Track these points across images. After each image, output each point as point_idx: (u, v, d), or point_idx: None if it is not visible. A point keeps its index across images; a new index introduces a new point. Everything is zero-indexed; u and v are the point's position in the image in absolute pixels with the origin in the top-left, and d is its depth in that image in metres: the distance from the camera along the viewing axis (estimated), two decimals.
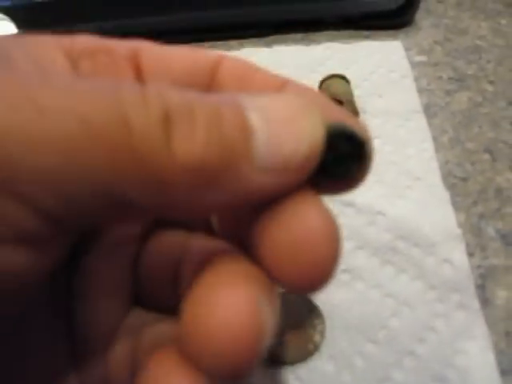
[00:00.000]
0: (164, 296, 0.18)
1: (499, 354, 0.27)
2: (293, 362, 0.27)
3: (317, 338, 0.28)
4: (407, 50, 0.43)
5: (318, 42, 0.45)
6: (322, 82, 0.39)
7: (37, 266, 0.12)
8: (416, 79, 0.41)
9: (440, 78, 0.41)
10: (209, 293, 0.13)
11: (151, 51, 0.17)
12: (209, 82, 0.17)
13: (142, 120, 0.12)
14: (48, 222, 0.12)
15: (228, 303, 0.13)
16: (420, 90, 0.40)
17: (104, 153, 0.11)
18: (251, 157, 0.12)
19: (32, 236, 0.11)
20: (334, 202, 0.34)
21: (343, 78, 0.38)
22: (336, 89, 0.37)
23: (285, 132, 0.13)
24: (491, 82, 0.41)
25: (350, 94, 0.37)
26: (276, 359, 0.27)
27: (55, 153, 0.11)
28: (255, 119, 0.13)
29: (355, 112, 0.36)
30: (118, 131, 0.11)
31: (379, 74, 0.42)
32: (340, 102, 0.36)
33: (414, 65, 0.42)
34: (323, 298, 0.30)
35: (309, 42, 0.45)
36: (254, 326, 0.13)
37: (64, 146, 0.11)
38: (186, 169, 0.12)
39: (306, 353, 0.27)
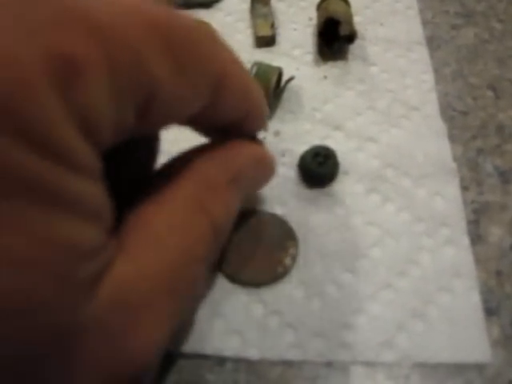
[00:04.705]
0: None
1: (488, 292, 0.23)
2: (258, 284, 0.23)
3: (287, 261, 0.23)
4: None
5: None
6: (321, 2, 0.34)
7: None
8: (421, 11, 0.36)
9: (446, 12, 0.36)
10: None
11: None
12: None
13: None
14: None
15: None
16: (424, 22, 0.35)
17: None
18: None
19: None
20: (322, 125, 0.29)
21: None
22: (334, 8, 0.32)
23: None
24: (501, 21, 0.36)
25: (349, 15, 0.32)
26: (239, 279, 0.23)
27: None
28: None
29: (352, 33, 0.31)
30: None
31: (383, 3, 0.36)
32: (337, 22, 0.31)
33: None
34: (299, 221, 0.25)
35: None
36: None
37: None
38: None
39: (274, 275, 0.23)
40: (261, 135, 0.28)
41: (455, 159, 0.28)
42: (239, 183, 0.19)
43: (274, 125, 0.29)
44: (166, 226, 0.16)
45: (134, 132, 0.15)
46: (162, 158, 0.20)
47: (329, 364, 0.22)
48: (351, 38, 0.31)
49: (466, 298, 0.23)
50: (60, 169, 0.12)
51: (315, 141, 0.28)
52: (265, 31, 0.33)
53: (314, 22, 0.35)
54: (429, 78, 0.32)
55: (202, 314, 0.23)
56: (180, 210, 0.16)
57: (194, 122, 0.18)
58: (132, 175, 0.19)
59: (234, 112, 0.18)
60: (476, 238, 0.25)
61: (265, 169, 0.22)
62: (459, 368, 0.21)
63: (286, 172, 0.27)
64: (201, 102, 0.16)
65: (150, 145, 0.21)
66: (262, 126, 0.21)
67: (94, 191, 0.13)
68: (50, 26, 0.11)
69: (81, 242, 0.13)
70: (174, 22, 0.14)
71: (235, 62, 0.18)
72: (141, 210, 0.16)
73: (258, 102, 0.19)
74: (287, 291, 0.23)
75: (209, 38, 0.16)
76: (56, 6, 0.12)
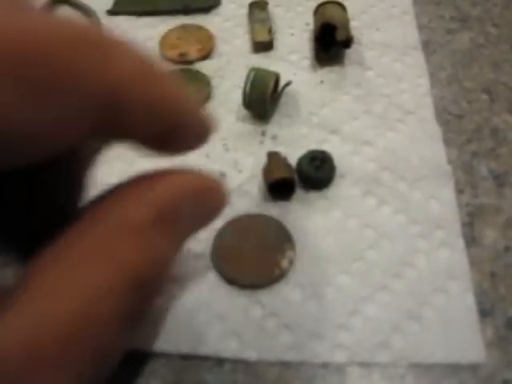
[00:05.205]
0: None
1: (482, 294, 0.23)
2: (255, 287, 0.23)
3: (284, 263, 0.24)
4: None
5: None
6: (318, 7, 0.34)
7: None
8: (417, 16, 0.36)
9: (442, 16, 0.37)
10: None
11: None
12: None
13: None
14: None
15: None
16: (420, 27, 0.36)
17: None
18: None
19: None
20: (319, 129, 0.29)
21: (339, 4, 0.34)
22: (330, 13, 0.33)
23: None
24: (496, 25, 0.36)
25: (346, 21, 0.33)
26: (237, 282, 0.23)
27: None
28: None
29: (349, 38, 0.31)
30: None
31: (379, 8, 0.37)
32: (334, 27, 0.32)
33: (415, 2, 0.37)
34: (296, 224, 0.26)
35: None
36: None
37: None
38: None
39: (271, 278, 0.24)
40: (258, 140, 0.29)
41: (450, 162, 0.28)
42: (170, 222, 0.16)
43: (271, 129, 0.30)
44: (65, 279, 0.13)
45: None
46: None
47: (325, 365, 0.22)
48: (348, 42, 0.32)
49: (461, 299, 0.23)
50: None
51: (312, 145, 0.29)
52: (262, 36, 0.34)
53: (311, 27, 0.35)
54: (424, 82, 0.32)
55: (201, 315, 0.23)
56: (85, 260, 0.14)
57: (104, 139, 0.16)
58: (49, 214, 0.17)
59: (152, 126, 0.15)
60: (471, 240, 0.25)
61: (210, 200, 0.18)
62: (454, 368, 0.22)
63: None
64: (89, 125, 0.14)
65: (69, 181, 0.18)
66: (203, 135, 0.18)
67: None
68: None
69: None
70: (30, 33, 0.12)
71: (143, 68, 0.14)
72: (40, 259, 0.14)
73: (185, 110, 0.16)
74: (284, 293, 0.23)
75: (92, 48, 0.13)
76: None
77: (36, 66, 0.12)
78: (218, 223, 0.25)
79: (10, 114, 0.12)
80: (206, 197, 0.17)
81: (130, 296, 0.14)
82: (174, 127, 0.16)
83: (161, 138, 0.16)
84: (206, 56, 0.34)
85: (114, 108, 0.14)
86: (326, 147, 0.28)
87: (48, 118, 0.12)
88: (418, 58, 0.33)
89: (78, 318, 0.13)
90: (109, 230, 0.14)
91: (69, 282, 0.13)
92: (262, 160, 0.28)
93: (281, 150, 0.28)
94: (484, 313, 0.23)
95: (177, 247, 0.16)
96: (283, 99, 0.31)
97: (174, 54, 0.34)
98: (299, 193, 0.27)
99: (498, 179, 0.27)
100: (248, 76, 0.29)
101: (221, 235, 0.25)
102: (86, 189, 0.18)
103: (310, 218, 0.26)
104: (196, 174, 0.17)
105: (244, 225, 0.25)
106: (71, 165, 0.17)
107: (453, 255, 0.25)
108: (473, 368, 0.22)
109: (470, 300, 0.23)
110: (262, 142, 0.29)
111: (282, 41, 0.34)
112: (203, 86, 0.32)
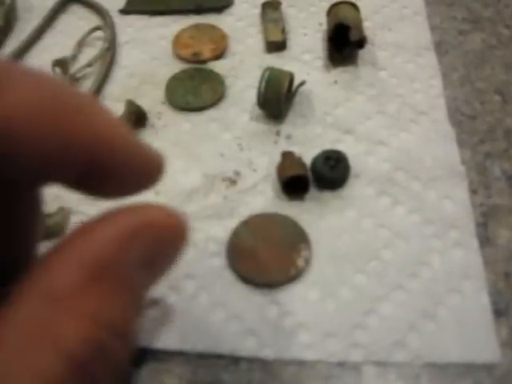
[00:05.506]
0: None
1: (496, 294, 0.24)
2: (271, 285, 0.24)
3: (300, 263, 0.24)
4: None
5: None
6: (331, 8, 0.34)
7: None
8: (429, 17, 0.36)
9: (454, 17, 0.37)
10: None
11: None
12: None
13: None
14: None
15: None
16: (432, 28, 0.36)
17: None
18: None
19: None
20: (333, 129, 0.30)
21: (352, 4, 0.34)
22: (344, 14, 0.33)
23: None
24: (508, 26, 0.36)
25: (359, 20, 0.33)
26: (253, 281, 0.23)
27: None
28: None
29: (362, 38, 0.31)
30: None
31: (391, 9, 0.37)
32: (347, 28, 0.32)
33: (427, 3, 0.37)
34: (311, 223, 0.26)
35: None
36: None
37: None
38: None
39: (287, 277, 0.24)
40: (272, 139, 0.29)
41: (463, 163, 0.28)
42: (112, 274, 0.13)
43: (285, 129, 0.30)
44: None
45: None
46: None
47: (341, 364, 0.22)
48: (361, 43, 0.32)
49: (476, 299, 0.24)
50: None
51: (326, 144, 0.29)
52: (276, 36, 0.34)
53: (324, 27, 0.35)
54: (437, 82, 0.32)
55: (217, 314, 0.23)
56: (15, 342, 0.11)
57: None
58: None
59: (66, 163, 0.13)
60: (485, 240, 0.25)
61: (168, 237, 0.15)
62: (469, 368, 0.22)
63: None
64: None
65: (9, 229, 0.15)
66: (148, 174, 0.16)
67: None
68: None
69: None
70: None
71: (43, 101, 0.13)
72: None
73: (111, 146, 0.14)
74: (300, 292, 0.24)
75: None
76: None
77: None
78: (233, 222, 0.26)
79: None
80: (162, 235, 0.15)
81: (69, 380, 0.12)
82: (99, 165, 0.14)
83: (90, 179, 0.14)
84: (219, 55, 0.34)
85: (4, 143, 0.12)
86: (340, 147, 0.28)
87: None
88: (430, 59, 0.33)
89: None
90: (43, 303, 0.12)
91: None
92: (277, 159, 0.28)
93: (295, 149, 0.28)
94: (498, 312, 0.23)
95: (133, 301, 0.14)
96: (297, 99, 0.31)
97: (187, 53, 0.34)
98: (314, 192, 0.27)
99: (511, 180, 0.28)
100: (263, 75, 0.29)
101: (236, 234, 0.25)
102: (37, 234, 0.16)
103: (325, 218, 0.26)
104: (149, 210, 0.15)
105: (259, 224, 0.25)
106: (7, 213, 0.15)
107: (467, 255, 0.25)
108: (488, 368, 0.22)
109: (484, 300, 0.23)
110: (276, 142, 0.29)
111: (295, 41, 0.35)
112: (217, 85, 0.32)
